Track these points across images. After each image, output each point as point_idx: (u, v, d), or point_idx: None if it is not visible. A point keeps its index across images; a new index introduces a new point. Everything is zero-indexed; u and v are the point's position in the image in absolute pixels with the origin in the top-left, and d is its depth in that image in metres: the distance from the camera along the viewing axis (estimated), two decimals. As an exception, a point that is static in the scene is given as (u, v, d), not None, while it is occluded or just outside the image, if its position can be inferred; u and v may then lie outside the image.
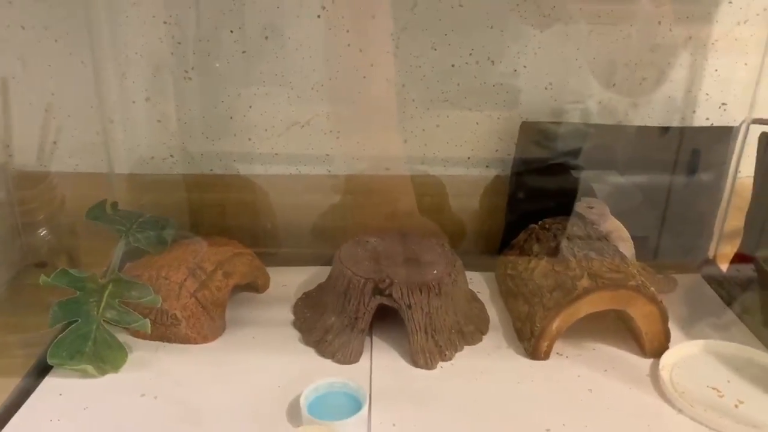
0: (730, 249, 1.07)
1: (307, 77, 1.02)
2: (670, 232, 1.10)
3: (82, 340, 0.81)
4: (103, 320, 0.83)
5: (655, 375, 0.83)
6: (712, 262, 1.11)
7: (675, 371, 0.84)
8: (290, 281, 1.03)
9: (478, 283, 1.04)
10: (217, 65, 1.01)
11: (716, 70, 1.03)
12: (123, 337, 0.87)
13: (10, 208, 1.01)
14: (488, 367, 0.85)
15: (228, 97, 1.03)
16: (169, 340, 0.88)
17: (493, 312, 0.97)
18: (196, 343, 0.88)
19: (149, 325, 0.83)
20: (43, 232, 0.99)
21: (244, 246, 1.00)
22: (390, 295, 0.85)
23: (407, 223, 1.09)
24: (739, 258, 1.05)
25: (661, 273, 1.04)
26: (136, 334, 0.88)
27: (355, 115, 1.06)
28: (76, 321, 0.82)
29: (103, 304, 0.83)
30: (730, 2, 0.99)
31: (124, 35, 0.99)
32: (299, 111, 1.04)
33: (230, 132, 1.06)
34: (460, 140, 1.08)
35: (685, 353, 0.87)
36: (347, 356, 0.85)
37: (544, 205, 1.05)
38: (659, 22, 1.00)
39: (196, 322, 0.88)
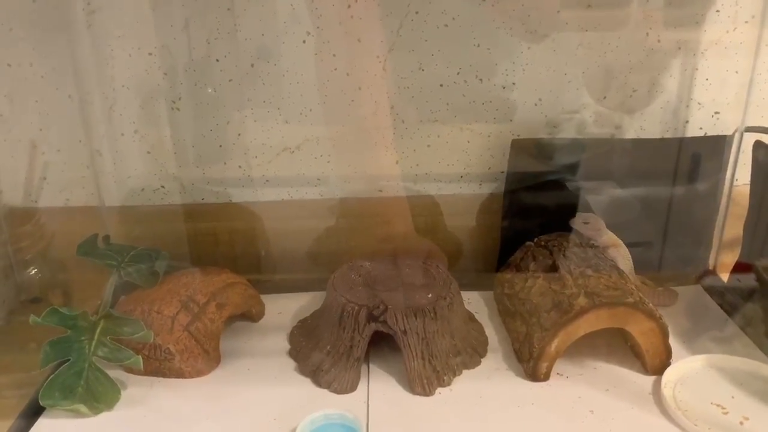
0: (730, 258, 1.06)
1: (295, 103, 1.02)
2: (669, 243, 1.09)
3: (74, 379, 0.80)
4: (95, 358, 0.82)
5: (657, 393, 0.82)
6: (712, 272, 1.09)
7: (677, 388, 0.82)
8: (286, 308, 1.02)
9: (476, 302, 1.03)
10: (210, 90, 1.01)
11: (707, 79, 1.02)
12: (117, 373, 0.86)
13: (2, 247, 1.00)
14: (487, 390, 0.84)
15: (217, 126, 1.03)
16: (163, 375, 0.87)
17: (491, 332, 0.96)
18: (191, 377, 0.87)
19: (141, 361, 0.82)
20: (33, 271, 0.98)
21: (237, 275, 0.99)
22: (384, 322, 0.84)
23: (403, 244, 1.08)
24: (739, 267, 1.03)
25: (662, 286, 1.02)
26: (130, 369, 0.87)
27: (345, 138, 1.06)
28: (68, 360, 0.81)
29: (94, 342, 0.82)
30: (718, 11, 0.98)
31: (109, 68, 0.98)
32: (289, 136, 1.04)
33: (220, 160, 1.05)
34: (452, 159, 1.07)
35: (687, 369, 0.86)
36: (344, 386, 0.84)
37: (539, 221, 1.03)
38: (647, 33, 0.99)
39: (190, 356, 0.86)
